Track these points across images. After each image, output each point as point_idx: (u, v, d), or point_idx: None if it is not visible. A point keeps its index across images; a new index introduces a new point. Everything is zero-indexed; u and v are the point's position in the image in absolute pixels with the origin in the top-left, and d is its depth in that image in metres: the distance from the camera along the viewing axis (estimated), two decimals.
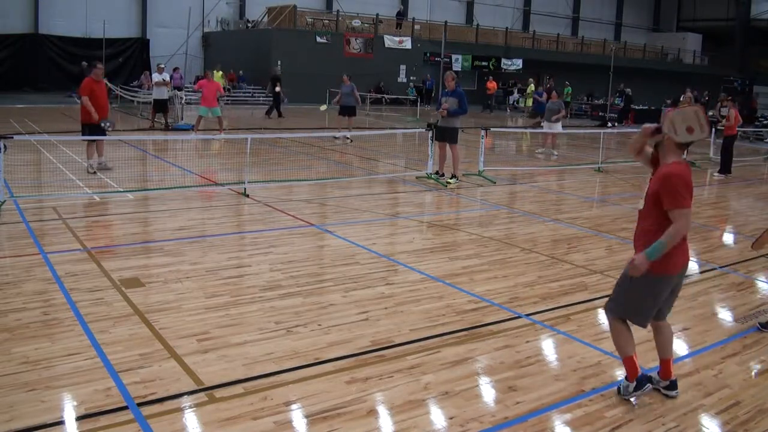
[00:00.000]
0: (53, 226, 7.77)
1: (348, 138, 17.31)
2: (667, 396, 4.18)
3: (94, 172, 11.00)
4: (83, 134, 11.25)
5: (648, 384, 4.09)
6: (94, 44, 30.15)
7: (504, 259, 7.23)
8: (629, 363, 4.08)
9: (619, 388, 4.18)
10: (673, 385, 4.19)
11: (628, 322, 4.08)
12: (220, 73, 25.67)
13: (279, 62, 23.69)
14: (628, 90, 31.31)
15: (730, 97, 17.20)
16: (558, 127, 16.95)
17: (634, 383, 4.08)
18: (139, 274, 6.11)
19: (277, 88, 23.61)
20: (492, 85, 33.80)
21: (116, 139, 13.23)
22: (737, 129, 15.50)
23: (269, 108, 24.17)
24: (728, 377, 4.54)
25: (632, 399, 4.11)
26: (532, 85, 30.69)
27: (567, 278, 6.61)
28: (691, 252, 7.97)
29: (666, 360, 4.19)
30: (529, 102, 30.40)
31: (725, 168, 14.87)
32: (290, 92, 30.55)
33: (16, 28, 30.47)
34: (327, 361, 4.49)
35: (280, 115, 24.13)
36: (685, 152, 14.86)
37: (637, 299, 3.99)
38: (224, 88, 31.20)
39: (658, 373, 4.24)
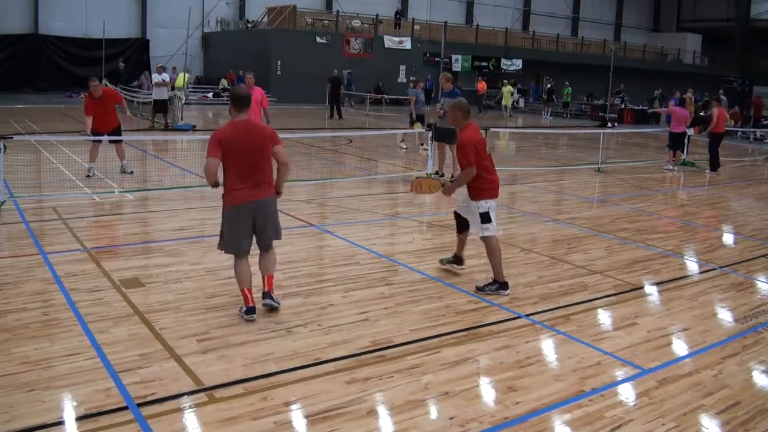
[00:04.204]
0: (53, 226, 7.77)
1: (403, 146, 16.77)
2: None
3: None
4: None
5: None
6: (94, 44, 30.13)
7: (504, 259, 7.20)
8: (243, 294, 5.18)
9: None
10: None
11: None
12: (183, 73, 22.62)
13: (345, 72, 23.74)
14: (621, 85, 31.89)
15: (715, 98, 18.86)
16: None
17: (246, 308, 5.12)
18: (139, 274, 6.11)
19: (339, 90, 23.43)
20: (481, 85, 33.84)
21: (116, 140, 13.19)
22: (725, 128, 16.45)
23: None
24: (728, 377, 4.54)
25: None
26: (510, 86, 30.56)
27: (567, 278, 6.61)
28: (690, 252, 8.11)
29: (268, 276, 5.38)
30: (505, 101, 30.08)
31: (713, 165, 15.40)
32: (290, 93, 30.57)
33: (16, 28, 30.48)
34: (327, 361, 4.49)
35: (340, 116, 24.17)
36: (675, 153, 14.52)
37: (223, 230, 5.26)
38: (223, 89, 31.26)
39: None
